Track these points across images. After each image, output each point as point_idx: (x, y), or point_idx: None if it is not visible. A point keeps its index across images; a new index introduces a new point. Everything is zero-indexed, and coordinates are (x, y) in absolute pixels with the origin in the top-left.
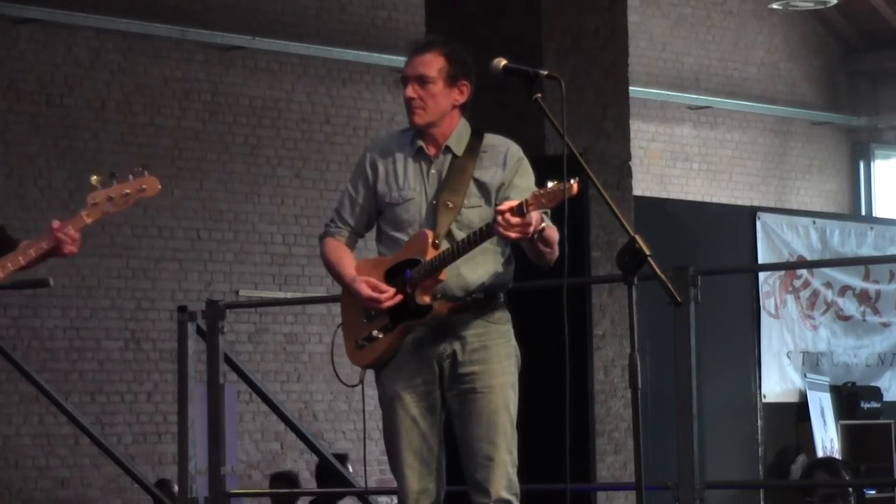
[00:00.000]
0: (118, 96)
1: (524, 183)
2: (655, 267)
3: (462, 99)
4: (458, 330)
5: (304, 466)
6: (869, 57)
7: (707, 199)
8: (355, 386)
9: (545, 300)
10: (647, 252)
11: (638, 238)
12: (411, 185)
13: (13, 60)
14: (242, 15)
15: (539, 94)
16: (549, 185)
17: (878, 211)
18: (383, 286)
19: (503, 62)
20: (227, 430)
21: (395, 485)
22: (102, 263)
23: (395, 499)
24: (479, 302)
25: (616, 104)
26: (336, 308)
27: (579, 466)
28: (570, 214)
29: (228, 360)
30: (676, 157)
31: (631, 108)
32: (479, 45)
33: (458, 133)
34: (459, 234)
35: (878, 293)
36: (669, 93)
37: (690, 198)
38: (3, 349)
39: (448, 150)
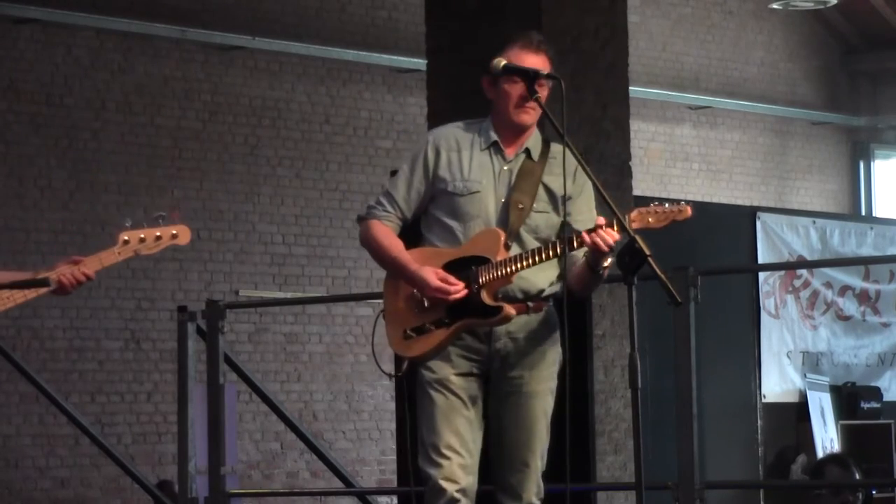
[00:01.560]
0: (118, 96)
1: (587, 201)
2: (655, 267)
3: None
4: (512, 331)
5: (303, 466)
6: (869, 57)
7: (707, 199)
8: (397, 376)
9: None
10: (647, 252)
11: (638, 238)
12: (477, 177)
13: (13, 60)
14: (242, 15)
15: (539, 94)
16: (663, 205)
17: (878, 211)
18: (452, 279)
19: (503, 62)
20: (227, 430)
21: (394, 485)
22: None
23: (395, 499)
24: (537, 305)
25: (616, 104)
26: (336, 308)
27: (579, 466)
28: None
29: (228, 360)
30: (676, 157)
31: (631, 108)
32: (479, 45)
33: (535, 137)
34: (526, 237)
35: (878, 293)
36: (669, 93)
37: (690, 198)
38: (3, 349)
39: (525, 151)
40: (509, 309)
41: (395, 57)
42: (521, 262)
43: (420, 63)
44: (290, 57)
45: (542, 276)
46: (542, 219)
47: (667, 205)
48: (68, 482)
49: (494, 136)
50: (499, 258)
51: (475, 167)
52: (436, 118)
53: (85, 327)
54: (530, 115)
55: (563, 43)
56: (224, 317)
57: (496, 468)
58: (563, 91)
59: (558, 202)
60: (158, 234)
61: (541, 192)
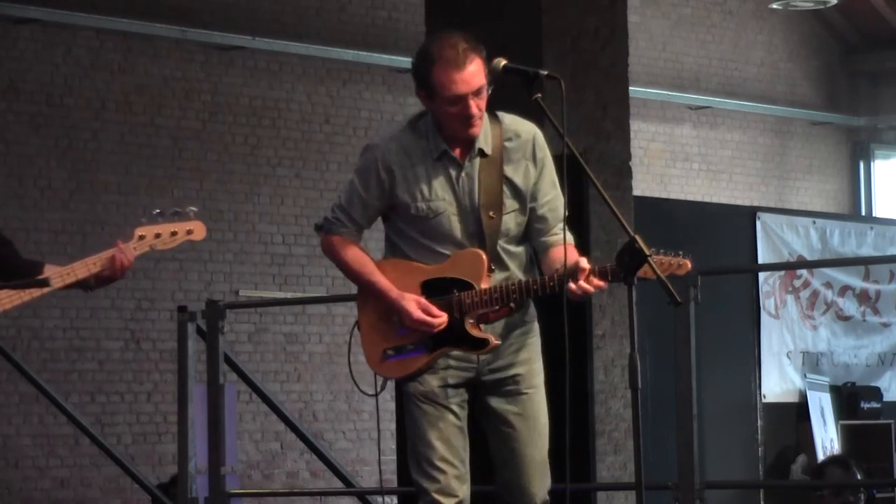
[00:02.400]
0: (118, 96)
1: (548, 180)
2: (655, 267)
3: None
4: (499, 330)
5: (303, 466)
6: (869, 57)
7: (707, 199)
8: (376, 395)
9: (545, 300)
10: (647, 252)
11: (638, 238)
12: (439, 194)
13: (13, 60)
14: (242, 15)
15: (539, 94)
16: (660, 254)
17: (878, 211)
18: (434, 310)
19: (503, 62)
20: (227, 430)
21: (394, 485)
22: None
23: (395, 499)
24: (520, 302)
25: (616, 104)
26: (336, 308)
27: (579, 466)
28: (570, 215)
29: (228, 360)
30: (676, 157)
31: (631, 108)
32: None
33: (484, 130)
34: (500, 243)
35: (878, 293)
36: (669, 93)
37: (690, 198)
38: (3, 349)
39: (479, 152)
40: (494, 341)
41: (395, 57)
42: (508, 298)
43: None
44: (290, 57)
45: (520, 274)
46: (511, 219)
47: (662, 253)
48: (68, 482)
49: (443, 145)
50: (483, 285)
51: (434, 183)
52: None
53: (85, 327)
54: (478, 125)
55: (563, 43)
56: (224, 317)
57: (502, 469)
58: (563, 91)
59: (522, 195)
60: (174, 229)
61: (505, 190)
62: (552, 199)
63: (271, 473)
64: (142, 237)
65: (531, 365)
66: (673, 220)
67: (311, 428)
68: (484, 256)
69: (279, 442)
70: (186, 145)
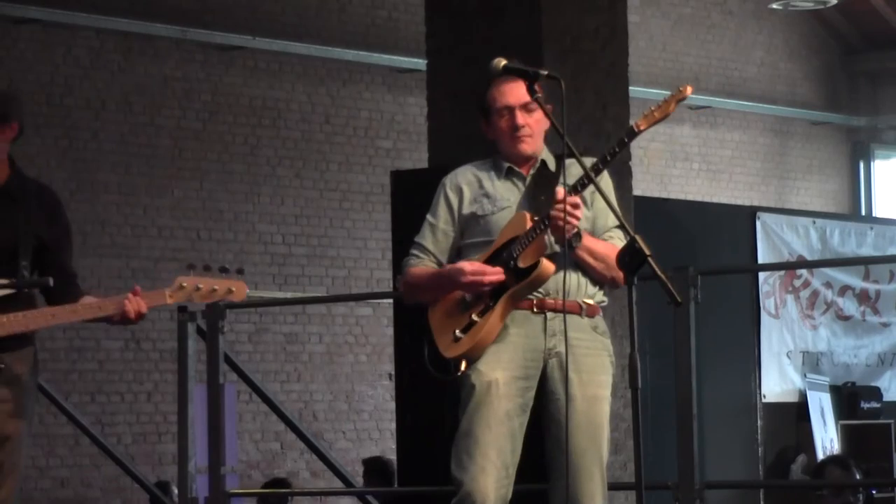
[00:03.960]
0: (118, 96)
1: (602, 202)
2: (656, 267)
3: (547, 124)
4: (568, 331)
5: (303, 466)
6: (869, 57)
7: (707, 199)
8: (451, 378)
9: None
10: (648, 252)
11: (638, 238)
12: (504, 195)
13: (13, 60)
14: (242, 15)
15: (539, 94)
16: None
17: (878, 211)
18: (487, 266)
19: (503, 62)
20: (227, 430)
21: (393, 486)
22: (102, 263)
23: None
24: (590, 308)
25: (616, 104)
26: (336, 308)
27: None
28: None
29: (228, 360)
30: (676, 157)
31: (631, 108)
32: (479, 45)
33: (547, 153)
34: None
35: (878, 293)
36: (669, 93)
37: (690, 198)
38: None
39: (541, 163)
40: (547, 263)
41: (395, 57)
42: (545, 223)
43: (420, 63)
44: (290, 57)
45: (593, 280)
46: None
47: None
48: (68, 482)
49: (507, 164)
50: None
51: (500, 190)
52: (436, 118)
53: (85, 327)
54: (527, 143)
55: (563, 43)
56: (224, 317)
57: (557, 476)
58: (563, 91)
59: (582, 198)
60: (215, 286)
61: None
62: (604, 208)
63: (271, 473)
64: (182, 287)
65: (595, 375)
66: (673, 220)
67: (311, 428)
68: (526, 213)
69: (279, 442)
70: (186, 145)
